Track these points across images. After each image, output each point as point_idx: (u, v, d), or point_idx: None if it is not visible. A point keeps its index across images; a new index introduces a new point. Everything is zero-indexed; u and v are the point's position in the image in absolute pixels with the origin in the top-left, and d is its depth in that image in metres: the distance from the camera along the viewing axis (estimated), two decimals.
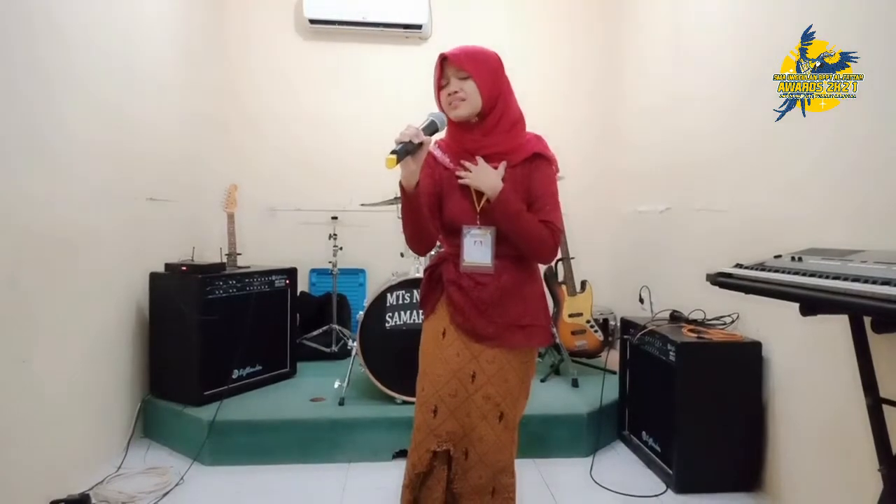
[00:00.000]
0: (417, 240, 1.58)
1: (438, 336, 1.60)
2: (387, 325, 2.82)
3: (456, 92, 1.53)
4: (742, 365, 2.42)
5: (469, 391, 1.55)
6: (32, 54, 2.09)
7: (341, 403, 2.80)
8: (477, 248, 1.56)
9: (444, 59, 1.55)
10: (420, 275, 2.33)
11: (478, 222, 1.57)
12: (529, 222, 1.52)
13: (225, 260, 3.21)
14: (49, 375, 2.19)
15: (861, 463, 1.83)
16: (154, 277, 2.89)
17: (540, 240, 1.53)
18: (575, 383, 3.10)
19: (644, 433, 2.72)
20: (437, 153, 1.62)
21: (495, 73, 1.58)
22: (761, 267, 1.69)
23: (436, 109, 1.59)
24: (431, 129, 1.48)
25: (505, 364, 1.57)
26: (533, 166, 1.60)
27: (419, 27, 4.08)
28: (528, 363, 1.64)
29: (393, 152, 1.35)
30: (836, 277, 1.38)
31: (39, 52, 2.13)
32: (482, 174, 1.53)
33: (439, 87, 1.57)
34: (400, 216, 1.56)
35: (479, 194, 1.56)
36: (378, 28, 4.09)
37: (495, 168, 1.54)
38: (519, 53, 4.32)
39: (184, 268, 2.83)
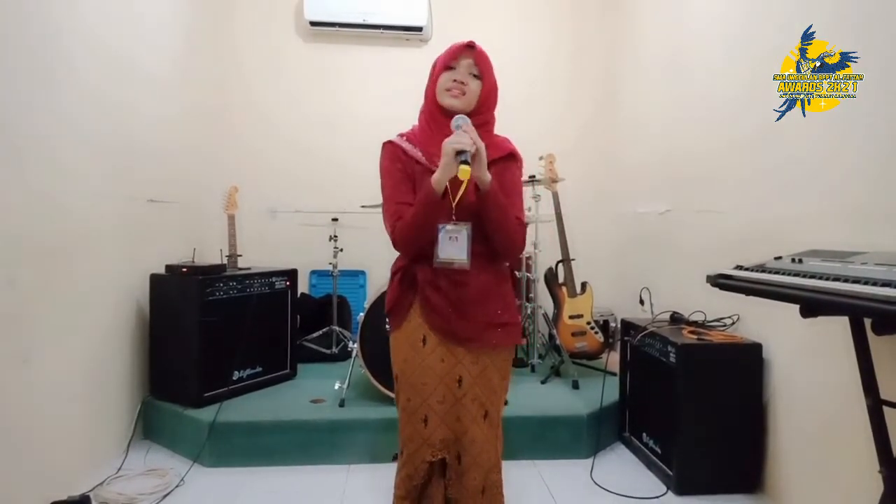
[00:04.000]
0: (421, 243, 1.54)
1: (418, 344, 1.57)
2: (387, 326, 2.81)
3: (463, 82, 1.53)
4: (742, 366, 2.41)
5: (457, 395, 1.54)
6: (33, 53, 2.10)
7: (341, 405, 2.80)
8: (452, 245, 1.53)
9: (468, 47, 1.55)
10: None
11: (453, 217, 1.53)
12: (511, 215, 1.54)
13: (225, 261, 3.21)
14: (49, 376, 2.19)
15: (861, 464, 1.83)
16: (154, 279, 2.89)
17: (518, 234, 1.56)
18: (575, 385, 3.10)
19: (644, 435, 2.72)
20: (407, 146, 1.58)
21: (495, 86, 1.61)
22: (761, 268, 1.69)
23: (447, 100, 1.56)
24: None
25: (488, 364, 1.58)
26: (504, 165, 1.59)
27: (420, 29, 4.08)
28: (507, 360, 1.65)
29: (465, 162, 1.38)
30: (837, 279, 1.38)
31: (42, 51, 2.14)
32: (482, 164, 1.45)
33: (446, 67, 1.56)
34: (415, 221, 1.50)
35: (455, 189, 1.50)
36: (378, 30, 4.09)
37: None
38: (518, 55, 4.33)
39: (184, 269, 2.83)
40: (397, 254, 1.66)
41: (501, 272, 1.63)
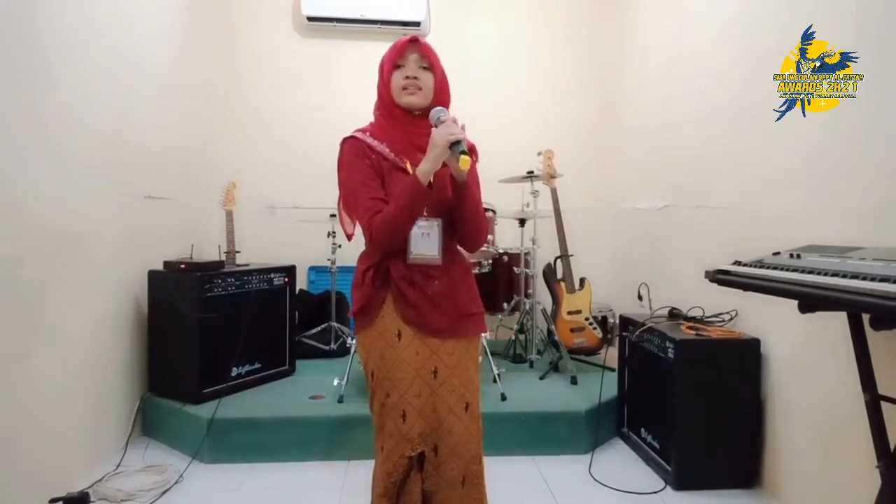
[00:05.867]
0: (402, 236, 1.52)
1: (393, 339, 1.55)
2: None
3: (416, 78, 1.54)
4: (741, 362, 2.42)
5: (432, 387, 1.53)
6: (36, 48, 2.09)
7: (340, 401, 2.80)
8: (424, 240, 1.53)
9: (412, 42, 1.56)
10: None
11: (425, 213, 1.53)
12: (481, 207, 1.61)
13: (224, 258, 3.20)
14: (48, 373, 2.19)
15: (859, 459, 1.84)
16: (153, 275, 2.88)
17: (486, 224, 1.65)
18: (574, 381, 3.11)
19: (643, 430, 2.73)
20: (373, 142, 1.57)
21: (445, 77, 1.62)
22: (760, 264, 1.69)
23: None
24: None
25: (463, 354, 1.59)
26: None
27: (417, 24, 4.07)
28: (478, 349, 1.71)
29: (463, 152, 1.38)
30: (835, 274, 1.38)
31: (43, 46, 2.13)
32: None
33: (394, 66, 1.56)
34: (400, 215, 1.48)
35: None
36: (376, 25, 4.08)
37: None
38: (517, 51, 4.33)
39: (182, 265, 2.82)
40: (358, 251, 1.65)
41: (466, 265, 1.67)
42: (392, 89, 1.56)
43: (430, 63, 1.56)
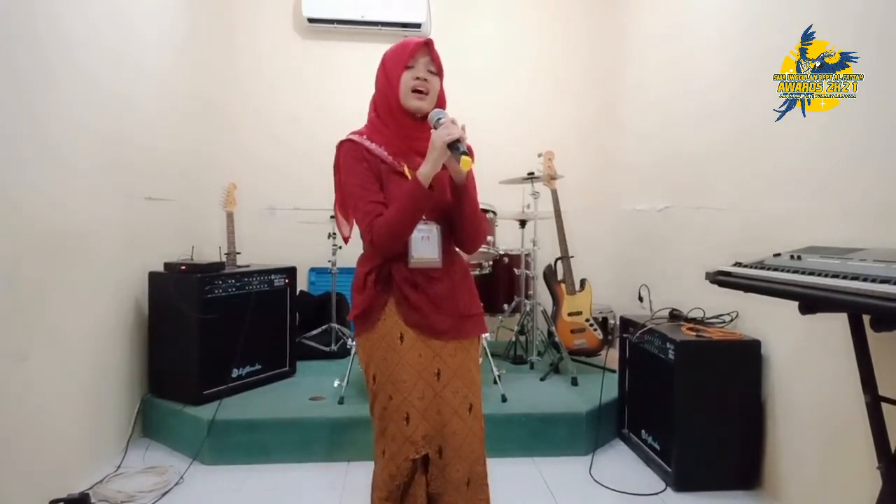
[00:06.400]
0: (402, 240, 1.51)
1: (395, 342, 1.54)
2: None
3: (426, 80, 1.54)
4: (741, 363, 2.42)
5: (436, 389, 1.53)
6: (36, 49, 2.09)
7: (341, 402, 2.80)
8: (424, 244, 1.54)
9: (425, 44, 1.56)
10: None
11: (423, 217, 1.52)
12: (479, 208, 1.62)
13: (224, 259, 3.20)
14: (48, 375, 2.19)
15: (860, 460, 1.83)
16: (153, 276, 2.88)
17: (486, 225, 1.69)
18: (574, 382, 3.10)
19: (643, 431, 2.73)
20: (371, 145, 1.56)
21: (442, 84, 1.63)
22: (760, 265, 1.69)
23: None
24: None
25: (465, 355, 1.59)
26: None
27: (418, 26, 4.07)
28: (478, 350, 1.71)
29: (463, 153, 1.38)
30: (836, 276, 1.38)
31: (44, 47, 2.13)
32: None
33: (404, 66, 1.55)
34: (401, 218, 1.47)
35: None
36: (377, 27, 4.09)
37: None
38: (517, 51, 4.33)
39: (183, 267, 2.82)
40: (359, 252, 1.64)
41: (465, 266, 1.68)
42: (400, 89, 1.55)
43: (438, 68, 1.58)
